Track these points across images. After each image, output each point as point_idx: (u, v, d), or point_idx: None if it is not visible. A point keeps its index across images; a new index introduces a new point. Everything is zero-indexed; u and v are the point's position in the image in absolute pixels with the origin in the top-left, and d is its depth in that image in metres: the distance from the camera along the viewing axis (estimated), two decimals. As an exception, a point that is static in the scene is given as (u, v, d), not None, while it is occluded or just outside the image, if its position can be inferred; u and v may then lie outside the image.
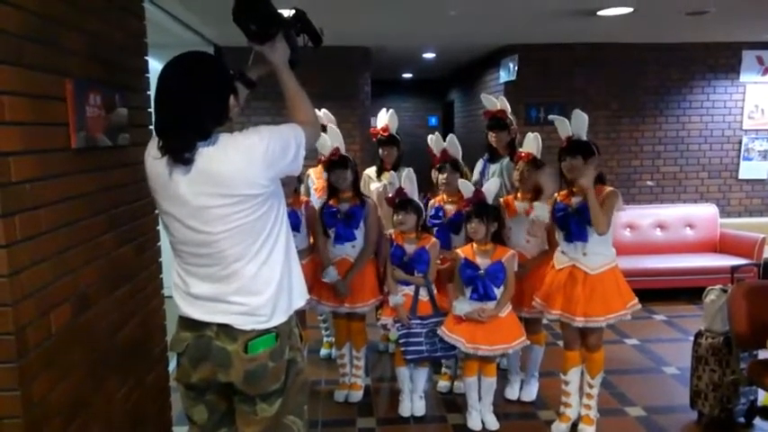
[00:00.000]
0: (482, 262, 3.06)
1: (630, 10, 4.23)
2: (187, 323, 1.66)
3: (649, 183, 6.23)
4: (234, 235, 1.58)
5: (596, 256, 2.92)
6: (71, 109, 1.74)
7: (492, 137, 3.74)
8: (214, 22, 4.58)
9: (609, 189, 2.89)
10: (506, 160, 3.73)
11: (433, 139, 3.66)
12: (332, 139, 3.38)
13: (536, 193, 3.27)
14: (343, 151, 3.39)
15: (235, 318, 1.62)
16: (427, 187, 3.84)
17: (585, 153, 2.85)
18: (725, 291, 3.23)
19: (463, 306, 3.07)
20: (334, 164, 3.33)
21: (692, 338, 4.56)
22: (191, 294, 1.65)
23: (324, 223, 3.38)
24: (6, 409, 1.45)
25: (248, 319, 1.62)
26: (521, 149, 3.46)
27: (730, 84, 6.12)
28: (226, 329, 1.62)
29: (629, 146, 6.11)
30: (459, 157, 3.56)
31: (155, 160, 1.60)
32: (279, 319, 1.67)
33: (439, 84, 10.63)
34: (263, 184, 1.59)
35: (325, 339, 4.29)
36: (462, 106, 8.92)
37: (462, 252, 3.13)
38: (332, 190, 3.39)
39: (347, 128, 5.50)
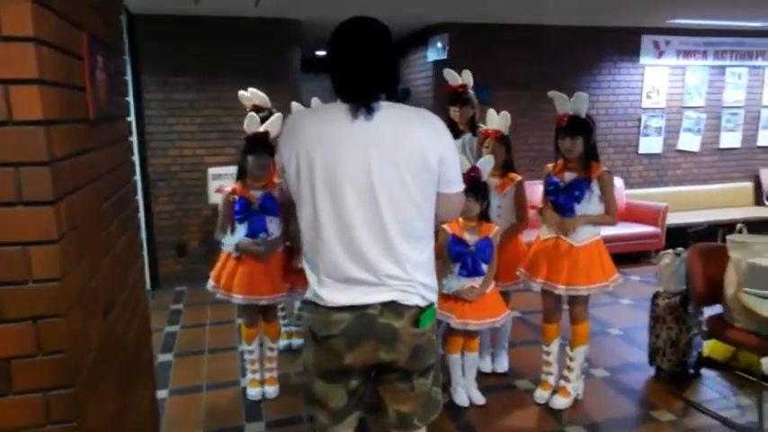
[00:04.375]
0: (470, 238, 3.03)
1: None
2: (341, 306, 1.62)
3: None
4: (403, 206, 1.59)
5: (581, 229, 3.00)
6: (87, 70, 1.42)
7: (455, 112, 3.71)
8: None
9: (603, 169, 2.94)
10: (468, 135, 3.73)
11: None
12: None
13: (505, 169, 3.33)
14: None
15: (400, 294, 1.62)
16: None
17: (586, 133, 2.90)
18: (678, 254, 3.50)
19: (452, 283, 3.04)
20: None
21: (621, 301, 4.97)
22: (349, 280, 1.60)
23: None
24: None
25: (412, 295, 1.63)
26: (482, 126, 3.49)
27: (632, 66, 6.64)
28: (391, 306, 1.61)
29: (551, 124, 6.40)
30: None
31: (325, 126, 1.60)
32: (434, 293, 1.72)
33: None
34: (432, 161, 1.62)
35: (283, 330, 4.05)
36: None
37: (450, 228, 3.08)
38: None
39: (278, 107, 5.20)
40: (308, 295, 1.70)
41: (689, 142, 7.02)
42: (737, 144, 7.18)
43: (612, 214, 2.99)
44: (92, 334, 1.32)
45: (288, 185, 1.71)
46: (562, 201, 2.96)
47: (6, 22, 1.02)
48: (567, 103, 2.92)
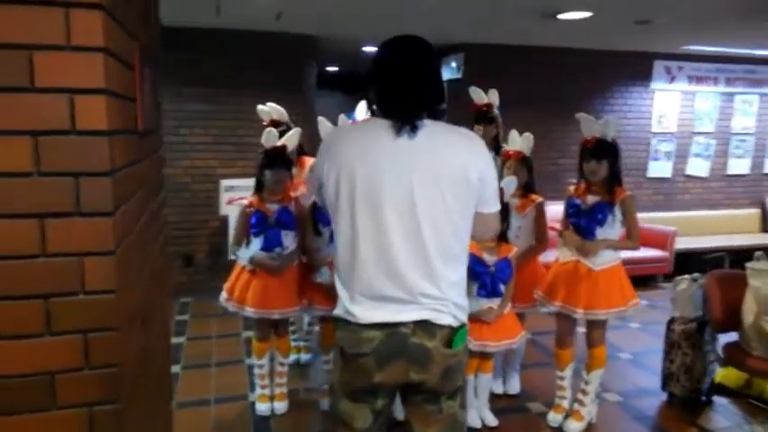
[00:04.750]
0: (489, 259, 3.02)
1: (589, 14, 4.43)
2: (373, 324, 1.60)
3: (574, 181, 6.61)
4: (442, 225, 1.58)
5: (601, 253, 2.98)
6: (138, 81, 1.42)
7: (479, 131, 3.70)
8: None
9: (627, 194, 2.93)
10: (491, 155, 3.73)
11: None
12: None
13: (526, 190, 3.33)
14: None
15: (432, 313, 1.59)
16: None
17: (612, 157, 2.90)
18: (695, 280, 3.49)
19: (471, 304, 3.01)
20: None
21: (630, 325, 4.94)
22: (383, 298, 1.57)
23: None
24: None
25: (445, 315, 1.61)
26: (505, 146, 3.49)
27: (643, 90, 6.69)
28: (423, 325, 1.59)
29: (560, 145, 6.44)
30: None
31: (368, 143, 1.60)
32: (466, 313, 1.70)
33: (362, 79, 10.50)
34: (473, 179, 1.62)
35: (292, 344, 4.02)
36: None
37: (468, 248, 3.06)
38: None
39: (294, 122, 5.20)
40: (339, 312, 1.67)
41: (698, 167, 7.05)
42: (746, 170, 7.22)
43: (635, 239, 2.98)
44: (133, 346, 1.31)
45: (324, 202, 1.71)
46: (584, 223, 2.95)
47: (76, 32, 1.02)
48: (594, 125, 2.92)
